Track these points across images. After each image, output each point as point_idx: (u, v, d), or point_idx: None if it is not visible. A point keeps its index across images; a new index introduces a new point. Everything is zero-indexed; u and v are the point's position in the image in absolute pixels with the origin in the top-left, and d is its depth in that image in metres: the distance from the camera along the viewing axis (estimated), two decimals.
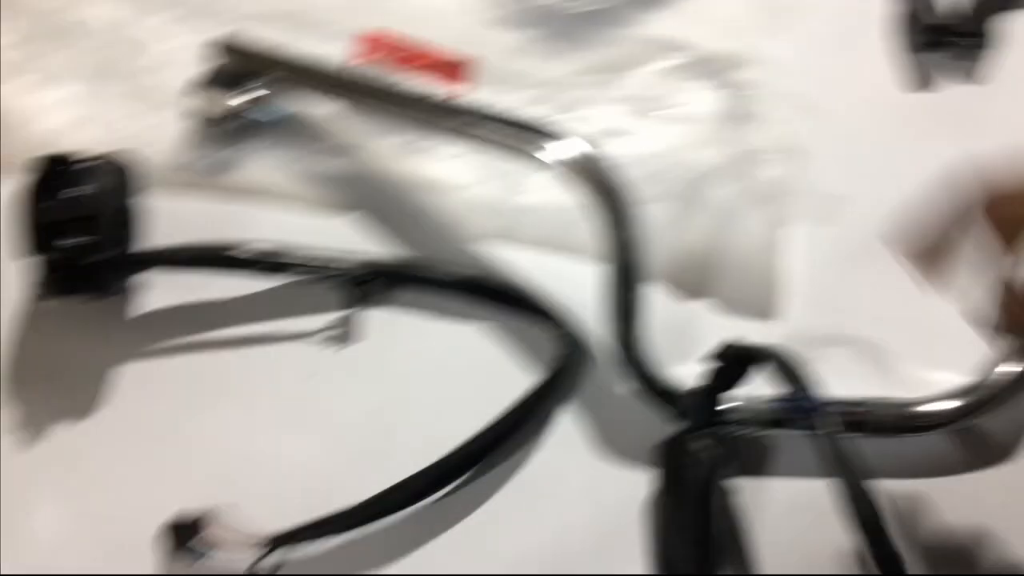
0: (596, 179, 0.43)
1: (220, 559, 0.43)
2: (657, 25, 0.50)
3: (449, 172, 0.50)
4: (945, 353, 0.47)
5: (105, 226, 0.44)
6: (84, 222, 0.44)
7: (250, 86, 0.49)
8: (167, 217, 0.49)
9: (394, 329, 0.49)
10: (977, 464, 0.46)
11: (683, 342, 0.48)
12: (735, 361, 0.43)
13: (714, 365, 0.43)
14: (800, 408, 0.40)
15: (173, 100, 0.50)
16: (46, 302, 0.46)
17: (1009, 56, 0.51)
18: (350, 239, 0.50)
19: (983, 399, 0.44)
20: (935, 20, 0.50)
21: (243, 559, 0.42)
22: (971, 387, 0.45)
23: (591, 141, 0.48)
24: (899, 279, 0.48)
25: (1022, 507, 0.45)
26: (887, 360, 0.48)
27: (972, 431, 0.46)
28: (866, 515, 0.36)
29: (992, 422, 0.45)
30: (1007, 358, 0.44)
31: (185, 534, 0.43)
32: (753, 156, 0.48)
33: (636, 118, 0.49)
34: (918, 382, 0.47)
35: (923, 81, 0.51)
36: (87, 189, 0.44)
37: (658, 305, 0.49)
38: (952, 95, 0.51)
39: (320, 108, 0.50)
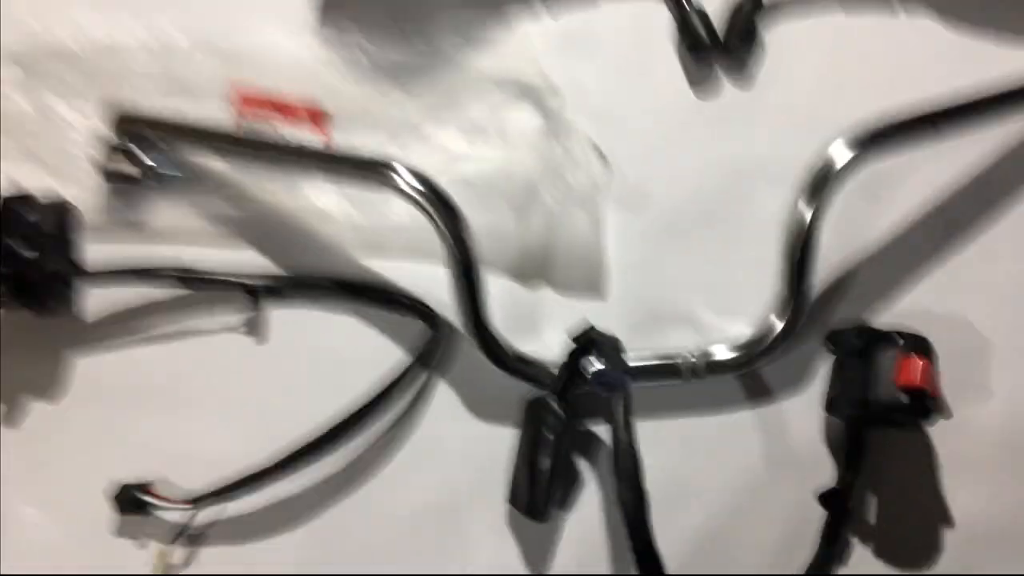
0: (432, 198, 0.53)
1: (161, 515, 0.55)
2: (482, 64, 0.61)
3: (325, 203, 0.59)
4: (738, 306, 0.58)
5: (54, 250, 0.56)
6: (37, 244, 0.54)
7: (150, 148, 0.59)
8: (98, 252, 0.59)
9: (295, 326, 0.59)
10: (759, 403, 0.58)
11: (532, 321, 0.60)
12: (586, 342, 0.54)
13: (570, 346, 0.54)
14: (609, 382, 0.51)
15: (88, 163, 0.59)
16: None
17: (768, 61, 0.63)
18: (250, 264, 0.60)
19: (762, 349, 0.55)
20: (707, 41, 0.61)
21: (181, 515, 0.55)
22: (753, 338, 0.56)
23: (435, 170, 0.58)
24: (696, 252, 0.60)
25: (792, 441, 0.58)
26: (694, 317, 0.59)
27: (755, 375, 0.58)
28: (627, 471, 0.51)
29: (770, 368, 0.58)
30: (780, 312, 0.55)
31: (131, 496, 0.55)
32: (572, 164, 0.59)
33: (474, 144, 0.60)
34: (719, 332, 0.58)
35: (703, 88, 0.63)
36: (45, 222, 0.56)
37: (508, 295, 0.60)
38: (727, 100, 0.62)
39: (210, 160, 0.60)
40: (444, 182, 0.56)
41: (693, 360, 0.56)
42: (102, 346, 0.59)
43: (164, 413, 0.58)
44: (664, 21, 0.63)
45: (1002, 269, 0.59)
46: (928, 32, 0.63)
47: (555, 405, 0.53)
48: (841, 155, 0.54)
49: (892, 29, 0.63)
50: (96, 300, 0.59)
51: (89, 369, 0.59)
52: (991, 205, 0.60)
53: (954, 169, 0.60)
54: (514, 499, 0.54)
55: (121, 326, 0.59)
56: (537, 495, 0.52)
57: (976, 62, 0.61)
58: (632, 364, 0.55)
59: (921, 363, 0.51)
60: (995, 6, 0.63)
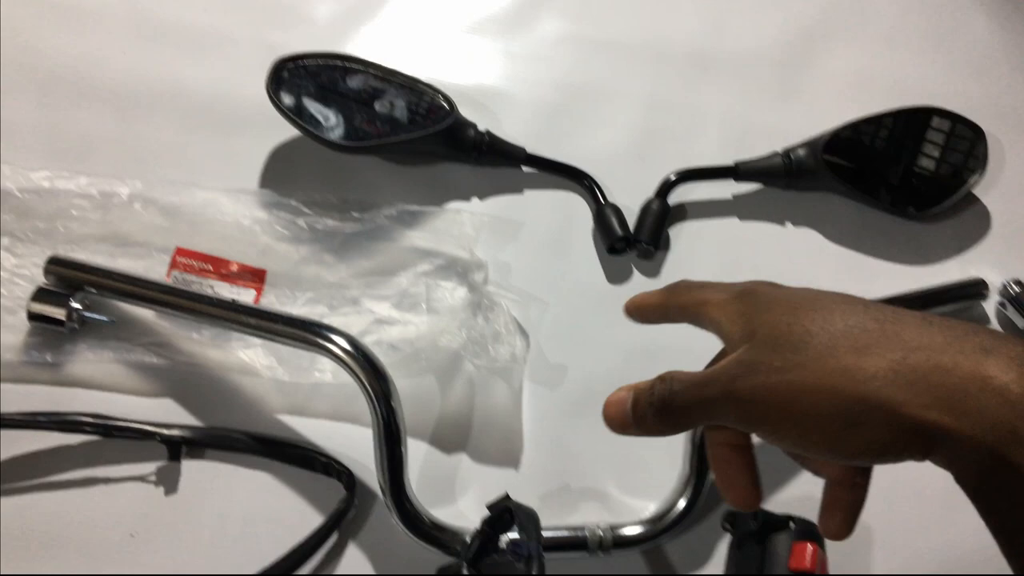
0: (363, 363, 0.55)
1: None
2: (415, 239, 0.65)
3: (250, 357, 0.60)
4: (644, 484, 0.62)
5: None
6: None
7: (80, 296, 0.59)
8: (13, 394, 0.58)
9: (209, 480, 0.59)
10: None
11: (448, 487, 0.61)
12: (501, 511, 0.55)
13: (487, 515, 0.55)
14: (523, 552, 0.53)
15: (17, 308, 0.59)
16: None
17: (673, 254, 0.70)
18: (168, 414, 0.60)
19: (665, 525, 0.58)
20: (620, 233, 0.67)
21: None
22: (658, 515, 0.59)
23: (362, 332, 0.61)
24: (606, 429, 0.63)
25: None
26: (603, 492, 0.62)
27: (659, 551, 0.60)
28: None
29: (673, 544, 0.60)
30: (683, 490, 0.59)
31: None
32: (494, 337, 0.62)
33: (402, 311, 0.63)
34: (625, 508, 0.61)
35: (614, 276, 0.68)
36: None
37: (427, 459, 0.61)
38: (636, 286, 0.68)
39: (139, 307, 0.60)
40: (370, 342, 0.58)
41: (601, 534, 0.58)
42: (6, 491, 0.57)
43: (67, 563, 0.56)
44: (583, 212, 0.69)
45: None
46: (811, 241, 0.71)
47: (467, 574, 0.54)
48: None
49: (781, 236, 0.71)
50: (4, 442, 0.57)
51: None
52: None
53: None
54: None
55: (29, 470, 0.57)
56: None
57: (853, 269, 0.70)
58: (544, 535, 0.57)
59: (811, 547, 0.55)
60: (870, 225, 0.72)
